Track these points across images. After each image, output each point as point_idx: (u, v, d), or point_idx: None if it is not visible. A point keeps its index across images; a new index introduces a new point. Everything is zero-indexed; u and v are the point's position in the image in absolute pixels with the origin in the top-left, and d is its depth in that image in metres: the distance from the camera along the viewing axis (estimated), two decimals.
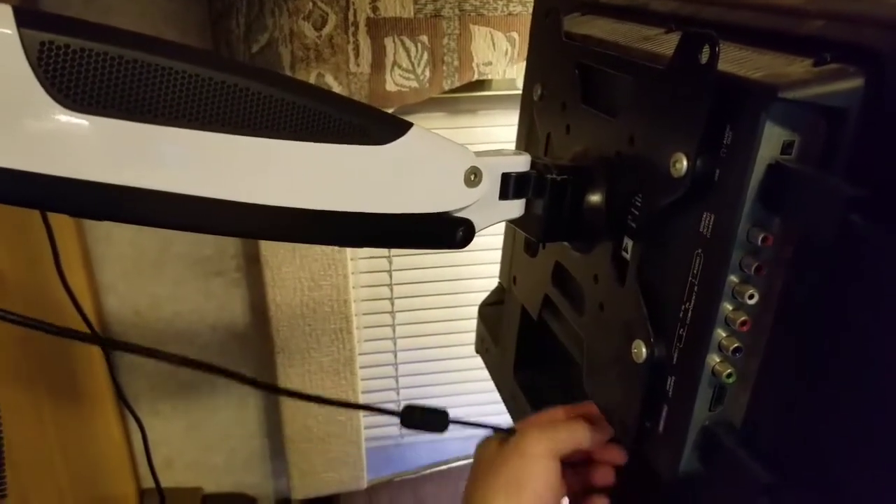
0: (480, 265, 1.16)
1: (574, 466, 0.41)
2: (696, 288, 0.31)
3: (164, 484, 0.95)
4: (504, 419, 0.53)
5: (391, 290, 1.19)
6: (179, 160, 0.28)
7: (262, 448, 1.32)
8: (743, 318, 0.29)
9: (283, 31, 0.89)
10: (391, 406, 1.30)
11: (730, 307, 0.29)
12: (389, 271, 1.18)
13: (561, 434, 0.39)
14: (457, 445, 1.32)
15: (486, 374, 0.66)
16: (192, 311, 1.16)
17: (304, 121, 0.31)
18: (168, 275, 1.12)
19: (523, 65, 0.98)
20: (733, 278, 0.29)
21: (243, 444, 1.30)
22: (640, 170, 0.35)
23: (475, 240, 0.37)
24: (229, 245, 1.12)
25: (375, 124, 0.33)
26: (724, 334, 0.30)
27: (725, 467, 0.31)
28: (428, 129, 0.34)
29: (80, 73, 0.26)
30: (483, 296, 0.67)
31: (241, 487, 1.34)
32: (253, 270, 1.13)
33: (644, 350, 0.33)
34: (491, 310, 0.65)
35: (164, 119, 0.28)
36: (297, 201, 0.32)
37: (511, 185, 0.38)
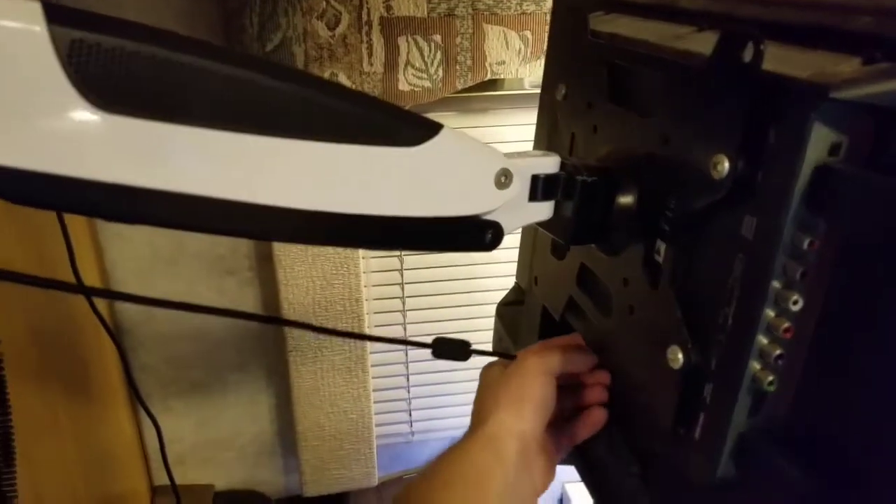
0: (491, 265, 1.16)
1: (566, 388, 0.45)
2: (737, 293, 0.30)
3: (176, 480, 0.96)
4: None
5: (402, 289, 1.19)
6: (210, 162, 0.28)
7: (273, 445, 1.31)
8: (786, 325, 0.28)
9: (296, 31, 0.88)
10: (402, 405, 1.30)
11: (772, 313, 0.28)
12: (401, 270, 1.17)
13: (555, 356, 0.44)
14: None
15: None
16: None
17: (335, 122, 0.30)
18: (181, 273, 1.12)
19: (536, 64, 0.97)
20: (776, 284, 0.28)
21: (254, 441, 1.30)
22: (676, 171, 0.34)
23: None
24: (242, 244, 1.12)
25: (405, 126, 0.32)
26: (765, 341, 0.29)
27: (763, 474, 0.30)
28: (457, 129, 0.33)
29: (112, 72, 0.25)
30: (494, 296, 0.66)
31: (252, 484, 1.34)
32: (266, 269, 1.12)
33: (681, 356, 0.33)
34: (509, 310, 0.64)
35: (195, 120, 0.27)
36: (327, 204, 0.31)
37: (540, 187, 0.37)
